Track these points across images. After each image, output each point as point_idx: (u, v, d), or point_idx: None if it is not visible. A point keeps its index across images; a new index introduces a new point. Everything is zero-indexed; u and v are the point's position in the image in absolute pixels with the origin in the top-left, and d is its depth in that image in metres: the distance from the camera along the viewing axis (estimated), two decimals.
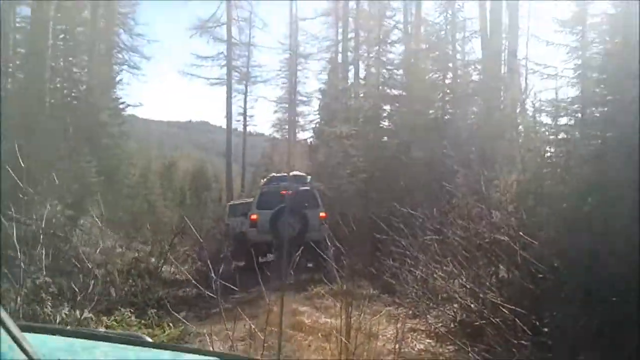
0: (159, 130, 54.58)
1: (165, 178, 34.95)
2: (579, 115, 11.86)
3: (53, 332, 1.99)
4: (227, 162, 32.63)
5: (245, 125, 37.91)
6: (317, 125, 28.75)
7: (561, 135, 11.53)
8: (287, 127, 39.89)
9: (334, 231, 13.85)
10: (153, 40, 33.50)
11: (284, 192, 13.50)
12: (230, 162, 32.84)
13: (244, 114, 37.45)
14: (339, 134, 19.71)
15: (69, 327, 3.02)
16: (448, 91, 16.58)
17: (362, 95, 21.78)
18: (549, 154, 10.87)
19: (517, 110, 15.76)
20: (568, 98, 12.59)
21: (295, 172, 15.41)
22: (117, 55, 32.24)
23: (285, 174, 15.00)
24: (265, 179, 15.22)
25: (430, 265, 9.13)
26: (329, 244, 10.25)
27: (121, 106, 25.69)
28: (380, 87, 19.13)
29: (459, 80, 17.07)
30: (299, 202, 13.22)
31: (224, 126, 34.81)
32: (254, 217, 13.78)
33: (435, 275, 9.02)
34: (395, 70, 19.17)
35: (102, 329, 3.36)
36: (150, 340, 2.20)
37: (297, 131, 39.11)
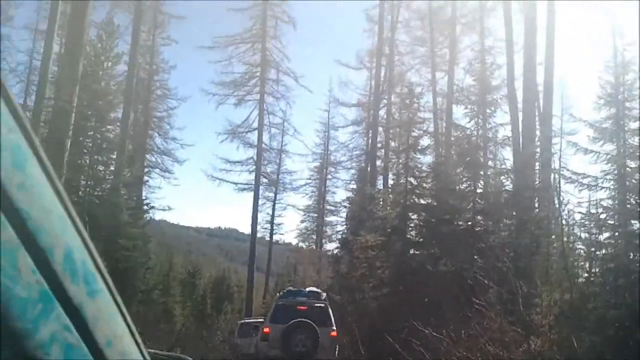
0: (187, 236, 54.05)
1: (187, 284, 33.78)
2: (620, 229, 10.61)
3: None
4: (249, 270, 31.48)
5: (272, 234, 36.82)
6: (343, 235, 27.66)
7: (603, 251, 10.27)
8: (313, 236, 38.97)
9: (350, 350, 12.62)
10: (187, 144, 33.04)
11: (299, 307, 13.24)
12: (253, 271, 31.65)
13: (271, 222, 36.50)
14: (364, 244, 18.57)
15: None
16: (479, 200, 15.46)
17: (389, 204, 20.82)
18: (592, 271, 9.62)
19: (552, 224, 14.54)
20: (607, 212, 11.43)
21: (311, 288, 15.25)
22: (149, 158, 32.41)
23: (301, 289, 14.87)
24: (280, 293, 15.06)
25: None
26: None
27: (145, 207, 25.21)
28: (408, 196, 18.17)
29: (490, 189, 15.98)
30: (311, 319, 12.71)
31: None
32: (266, 330, 13.28)
33: None
34: (424, 178, 18.26)
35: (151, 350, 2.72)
36: None
37: (324, 241, 38.18)
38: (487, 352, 6.95)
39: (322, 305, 13.52)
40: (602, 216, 11.23)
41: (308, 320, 12.59)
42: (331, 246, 34.92)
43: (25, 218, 0.70)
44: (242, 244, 49.67)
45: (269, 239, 37.09)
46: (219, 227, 71.35)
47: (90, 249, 0.84)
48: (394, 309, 14.03)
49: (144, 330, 17.99)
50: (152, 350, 2.93)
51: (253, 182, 32.51)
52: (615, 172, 12.23)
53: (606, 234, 10.77)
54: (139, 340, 0.94)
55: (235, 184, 33.25)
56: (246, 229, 36.82)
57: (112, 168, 20.88)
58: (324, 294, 14.58)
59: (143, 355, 0.94)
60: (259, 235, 36.49)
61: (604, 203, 11.91)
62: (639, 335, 6.22)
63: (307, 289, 14.87)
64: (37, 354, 0.70)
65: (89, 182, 19.95)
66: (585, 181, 12.92)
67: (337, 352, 11.72)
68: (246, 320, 18.81)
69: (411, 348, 8.27)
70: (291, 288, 15.57)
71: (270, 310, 14.29)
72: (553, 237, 13.48)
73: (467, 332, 8.35)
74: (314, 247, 38.67)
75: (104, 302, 0.85)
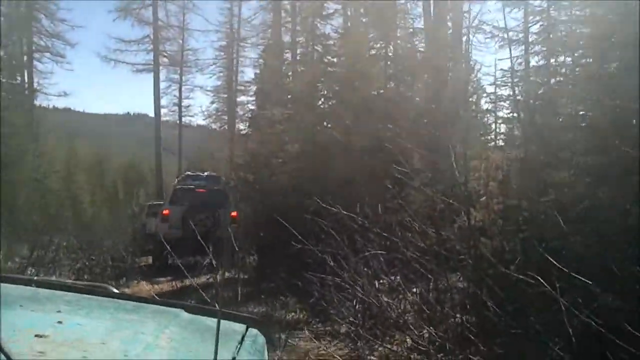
0: (94, 124, 50.07)
1: (94, 171, 31.14)
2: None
3: (21, 282, 2.02)
4: (156, 154, 29.24)
5: (180, 116, 34.57)
6: (252, 112, 25.62)
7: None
8: (225, 117, 36.52)
9: (254, 235, 11.21)
10: (77, 25, 28.80)
11: (197, 190, 13.40)
12: (160, 154, 29.57)
13: (179, 105, 34.09)
14: (271, 119, 16.63)
15: (36, 278, 2.31)
16: (390, 64, 13.64)
17: (297, 76, 18.72)
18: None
19: (469, 87, 13.04)
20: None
21: (208, 172, 15.21)
22: (37, 41, 28.39)
23: (199, 173, 14.93)
24: (179, 178, 15.04)
25: (373, 283, 6.30)
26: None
27: (28, 92, 22.05)
28: (315, 65, 16.11)
29: (400, 52, 14.11)
30: (210, 202, 12.96)
31: (165, 119, 32.05)
32: (166, 212, 13.32)
33: (379, 295, 6.24)
34: (332, 44, 16.11)
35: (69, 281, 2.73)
36: (115, 290, 2.12)
37: (236, 122, 35.88)
38: (411, 228, 5.35)
39: (220, 188, 13.62)
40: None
41: (207, 202, 12.77)
42: (243, 126, 32.97)
43: None
44: (153, 129, 46.54)
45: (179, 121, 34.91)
46: (128, 112, 66.64)
47: None
48: (302, 187, 12.42)
49: (48, 221, 16.08)
50: (71, 281, 2.50)
51: (152, 62, 29.40)
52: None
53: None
54: None
55: (133, 64, 30.03)
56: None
57: None
58: (223, 178, 14.62)
59: None
60: (168, 118, 34.49)
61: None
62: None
63: (205, 173, 14.76)
64: None
65: None
66: (507, 35, 11.33)
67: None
68: (153, 202, 18.34)
69: (317, 229, 6.63)
70: (189, 172, 15.40)
71: (169, 194, 14.18)
72: (471, 100, 12.00)
73: (385, 206, 6.77)
74: (226, 127, 36.51)
75: None
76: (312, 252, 7.00)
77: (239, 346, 1.63)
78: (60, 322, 1.55)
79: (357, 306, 6.67)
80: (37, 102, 27.34)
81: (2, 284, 1.81)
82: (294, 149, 14.84)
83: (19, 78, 22.14)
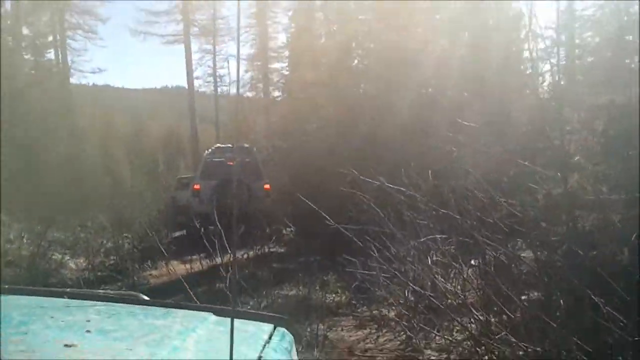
0: (133, 98, 49.63)
1: (132, 144, 30.64)
2: None
3: (54, 294, 2.05)
4: (191, 125, 28.59)
5: (216, 87, 33.76)
6: (285, 78, 24.48)
7: None
8: (260, 85, 35.46)
9: (289, 206, 10.33)
10: None
11: (228, 162, 12.73)
12: (195, 125, 28.90)
13: (214, 75, 33.27)
14: (305, 82, 15.51)
15: (69, 290, 2.22)
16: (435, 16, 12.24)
17: (331, 36, 17.42)
18: None
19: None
20: None
21: (239, 144, 14.40)
22: (69, 19, 27.78)
23: (230, 145, 14.22)
24: (209, 150, 14.16)
25: (424, 260, 5.26)
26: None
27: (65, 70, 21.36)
28: (349, 22, 14.82)
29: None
30: (242, 173, 12.29)
31: (201, 89, 31.49)
32: (196, 186, 12.81)
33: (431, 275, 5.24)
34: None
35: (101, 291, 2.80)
36: (146, 298, 2.10)
37: (271, 89, 34.85)
38: (471, 197, 4.21)
39: (252, 159, 12.81)
40: None
41: (238, 175, 12.15)
42: (278, 93, 31.96)
43: None
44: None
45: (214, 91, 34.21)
46: (166, 85, 66.00)
47: None
48: (339, 154, 11.28)
49: (79, 191, 15.51)
50: (102, 291, 2.70)
51: (182, 33, 28.49)
52: None
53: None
54: None
55: (162, 36, 29.17)
56: (195, 85, 33.15)
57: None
58: (254, 149, 13.79)
59: None
60: (205, 89, 33.90)
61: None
62: None
63: (236, 145, 14.22)
64: None
65: None
66: None
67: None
68: (183, 176, 18.02)
69: (358, 200, 5.55)
70: (220, 145, 14.55)
71: (199, 167, 13.61)
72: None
73: (435, 170, 5.61)
74: (262, 95, 35.56)
75: None
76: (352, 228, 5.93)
77: (265, 345, 1.61)
78: (88, 331, 1.57)
79: (407, 287, 5.62)
80: (74, 81, 27.03)
81: (34, 297, 1.88)
82: (329, 113, 13.70)
83: (48, 56, 21.51)
